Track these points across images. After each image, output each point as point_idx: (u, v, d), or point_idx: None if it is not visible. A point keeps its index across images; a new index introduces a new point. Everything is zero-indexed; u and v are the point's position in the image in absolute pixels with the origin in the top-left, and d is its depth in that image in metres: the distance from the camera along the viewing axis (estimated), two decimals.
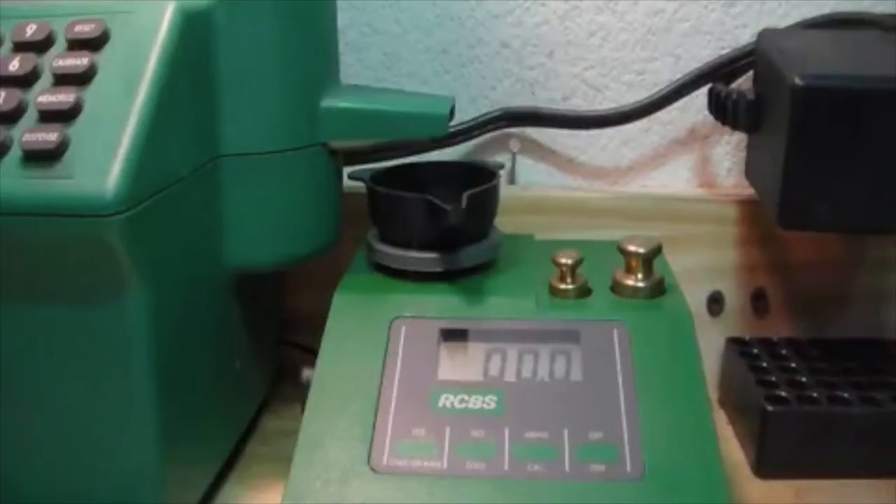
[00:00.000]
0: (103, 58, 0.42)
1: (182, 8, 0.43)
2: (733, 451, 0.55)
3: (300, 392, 0.46)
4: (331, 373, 0.46)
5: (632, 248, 0.48)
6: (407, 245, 0.50)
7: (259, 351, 0.56)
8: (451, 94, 0.55)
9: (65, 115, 0.40)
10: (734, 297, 0.62)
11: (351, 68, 0.63)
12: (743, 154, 0.61)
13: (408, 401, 0.44)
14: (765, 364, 0.57)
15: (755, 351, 0.59)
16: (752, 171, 0.58)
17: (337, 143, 0.51)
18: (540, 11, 0.62)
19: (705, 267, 0.61)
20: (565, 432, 0.43)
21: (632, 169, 0.64)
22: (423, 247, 0.50)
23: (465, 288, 0.49)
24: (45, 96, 0.40)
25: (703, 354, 0.46)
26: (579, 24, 0.62)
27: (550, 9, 0.62)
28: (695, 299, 0.60)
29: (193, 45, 0.44)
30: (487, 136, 0.63)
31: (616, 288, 0.49)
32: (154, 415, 0.42)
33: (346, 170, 0.55)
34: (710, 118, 0.59)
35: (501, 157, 0.63)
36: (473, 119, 0.62)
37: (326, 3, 0.52)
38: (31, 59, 0.42)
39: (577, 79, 0.63)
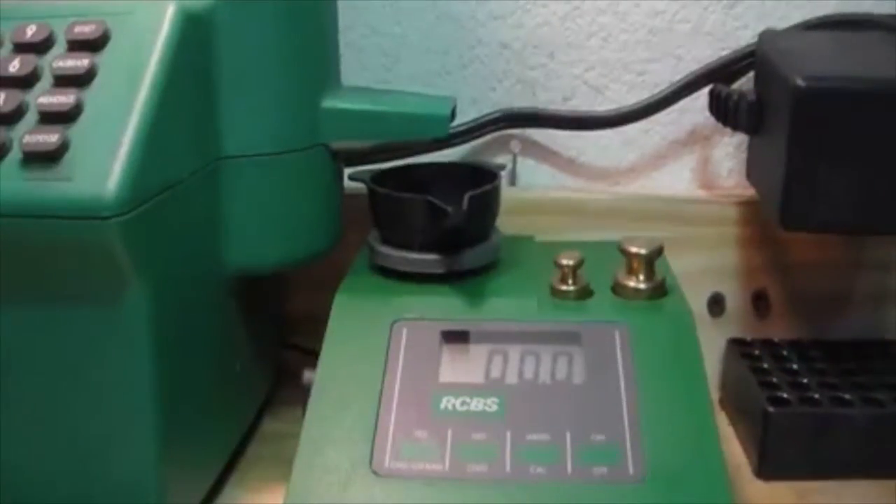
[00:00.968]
0: (104, 59, 0.42)
1: (183, 9, 0.43)
2: (735, 452, 0.55)
3: (301, 394, 0.46)
4: (332, 375, 0.46)
5: (633, 249, 0.48)
6: (408, 246, 0.50)
7: (260, 353, 0.56)
8: (452, 95, 0.55)
9: (65, 117, 0.40)
10: (735, 299, 0.62)
11: (351, 69, 0.62)
12: (744, 155, 0.61)
13: (409, 403, 0.44)
14: (766, 365, 0.57)
15: (756, 352, 0.59)
16: (753, 172, 0.58)
17: (338, 144, 0.51)
18: (541, 12, 0.62)
19: (706, 268, 0.61)
20: (567, 434, 0.42)
21: (633, 170, 0.64)
22: (424, 248, 0.50)
23: (467, 289, 0.49)
24: (46, 97, 0.40)
25: (703, 356, 0.46)
26: (580, 25, 0.62)
27: (551, 10, 0.62)
28: (696, 300, 0.60)
29: (194, 46, 0.44)
30: (488, 137, 0.63)
31: (617, 289, 0.49)
32: (154, 417, 0.42)
33: (347, 171, 0.55)
34: (711, 119, 0.59)
35: (502, 159, 0.63)
36: (474, 120, 0.62)
37: (327, 4, 0.52)
38: (31, 60, 0.42)
39: (578, 80, 0.63)
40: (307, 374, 0.46)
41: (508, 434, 0.43)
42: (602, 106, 0.63)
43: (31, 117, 0.40)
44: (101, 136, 0.39)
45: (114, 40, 0.42)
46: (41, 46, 0.42)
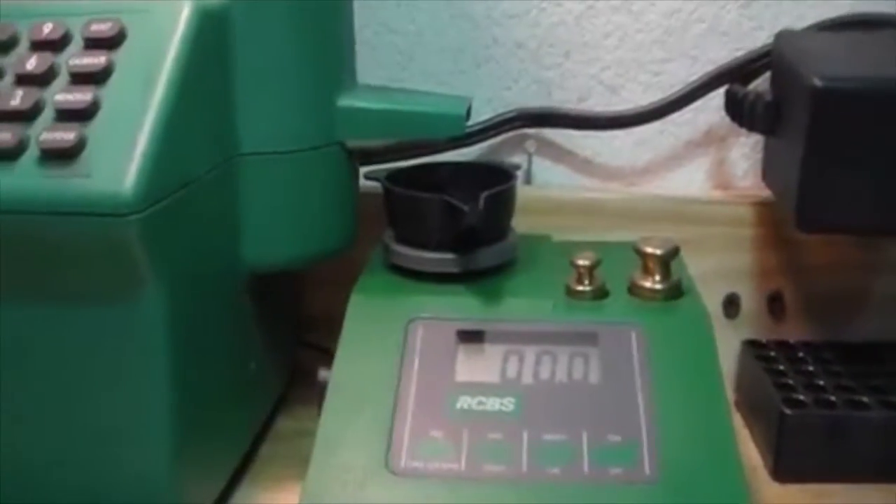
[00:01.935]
0: (120, 57, 0.42)
1: (199, 7, 0.43)
2: (750, 454, 0.55)
3: (316, 393, 0.46)
4: (347, 374, 0.46)
5: (649, 249, 0.48)
6: (424, 246, 0.50)
7: (275, 351, 0.56)
8: (467, 94, 0.55)
9: (82, 115, 0.40)
10: (750, 300, 0.62)
11: (366, 67, 0.62)
12: (759, 156, 0.61)
13: (425, 402, 0.44)
14: (782, 367, 0.57)
15: (772, 354, 0.59)
16: (769, 173, 0.58)
17: (353, 143, 0.51)
18: (556, 12, 0.62)
19: (721, 269, 0.61)
20: (584, 434, 0.42)
21: (647, 170, 0.64)
22: (439, 247, 0.50)
23: (483, 289, 0.49)
24: (63, 95, 0.40)
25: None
26: (595, 25, 0.62)
27: (566, 9, 0.62)
28: (711, 302, 0.59)
29: (210, 44, 0.44)
30: (503, 136, 0.63)
31: (633, 290, 0.49)
32: (169, 415, 0.42)
33: (362, 170, 0.55)
34: (727, 120, 0.59)
35: (517, 158, 0.63)
36: (489, 119, 0.62)
37: (342, 3, 0.52)
38: (48, 58, 0.42)
39: (594, 79, 0.63)
40: (322, 373, 0.46)
41: (525, 434, 0.43)
42: (617, 106, 0.63)
43: (48, 115, 0.40)
44: (119, 134, 0.39)
45: (130, 38, 0.42)
46: (58, 44, 0.42)
